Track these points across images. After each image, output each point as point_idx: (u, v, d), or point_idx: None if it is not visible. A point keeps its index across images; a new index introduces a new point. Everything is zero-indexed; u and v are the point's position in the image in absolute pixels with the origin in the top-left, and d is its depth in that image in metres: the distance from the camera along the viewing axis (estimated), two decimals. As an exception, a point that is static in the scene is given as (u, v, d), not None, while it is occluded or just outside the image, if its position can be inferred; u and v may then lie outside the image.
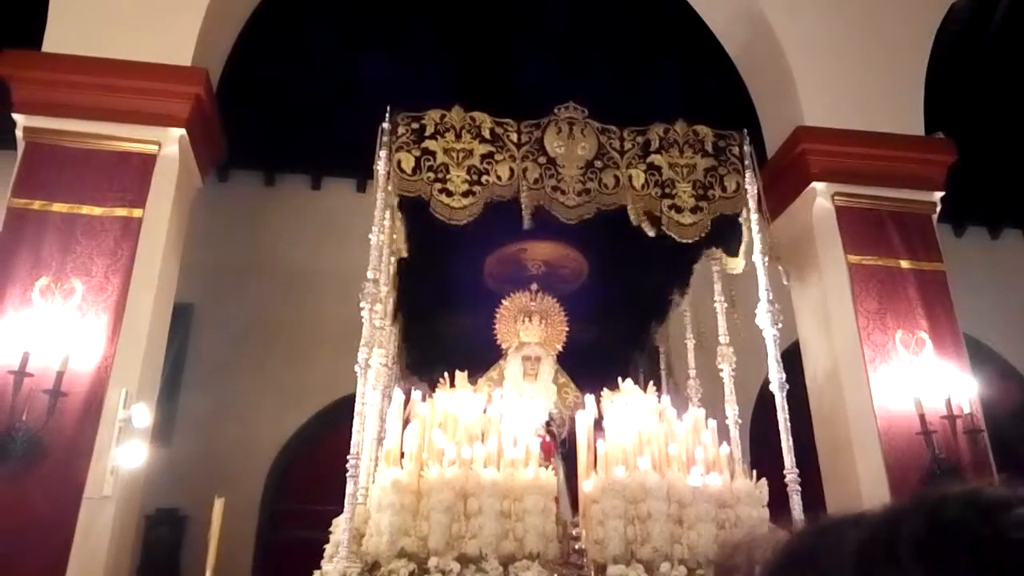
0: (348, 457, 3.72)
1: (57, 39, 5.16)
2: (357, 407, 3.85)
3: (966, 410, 5.07)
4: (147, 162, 5.00)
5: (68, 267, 4.63)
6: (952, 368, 5.24)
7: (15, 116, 4.96)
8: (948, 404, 5.05)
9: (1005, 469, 5.20)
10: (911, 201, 5.70)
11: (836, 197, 5.62)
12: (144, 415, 4.43)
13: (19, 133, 4.95)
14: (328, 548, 4.02)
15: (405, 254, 4.95)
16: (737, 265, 4.86)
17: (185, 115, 5.13)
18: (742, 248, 4.76)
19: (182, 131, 5.11)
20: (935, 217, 5.78)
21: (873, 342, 5.25)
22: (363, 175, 8.46)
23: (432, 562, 3.49)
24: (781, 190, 5.97)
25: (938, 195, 5.81)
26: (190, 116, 5.15)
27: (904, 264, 5.47)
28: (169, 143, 5.08)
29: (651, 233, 4.53)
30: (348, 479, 3.68)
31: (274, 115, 7.67)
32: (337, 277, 7.71)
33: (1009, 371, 8.43)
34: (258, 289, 7.90)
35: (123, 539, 4.40)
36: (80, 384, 4.35)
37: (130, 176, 4.94)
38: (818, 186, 5.68)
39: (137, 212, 4.86)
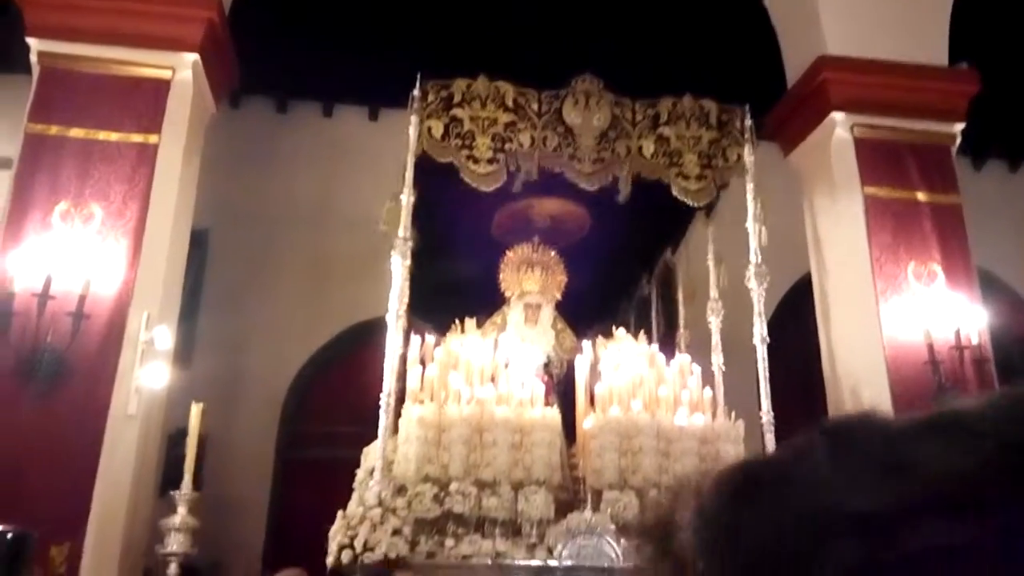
0: (381, 395, 4.21)
1: (68, -40, 5.09)
2: (388, 353, 4.34)
3: (975, 341, 5.12)
4: (161, 87, 4.99)
5: (87, 192, 4.68)
6: (963, 300, 5.26)
7: (29, 40, 4.94)
8: (957, 335, 5.09)
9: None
10: (931, 132, 5.63)
11: (855, 128, 5.56)
12: (166, 337, 4.53)
13: (33, 58, 4.94)
14: (360, 473, 4.49)
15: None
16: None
17: (198, 40, 5.08)
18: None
19: (195, 56, 5.08)
20: (954, 149, 5.72)
21: (885, 274, 5.26)
22: (375, 103, 8.41)
23: (453, 486, 4.03)
24: (800, 120, 5.91)
25: (959, 127, 5.74)
26: (203, 41, 5.11)
27: (921, 197, 5.45)
28: (183, 68, 5.06)
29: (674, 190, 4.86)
30: (381, 414, 4.19)
31: (286, 40, 7.57)
32: (350, 205, 7.76)
33: (1020, 303, 8.43)
34: (273, 216, 7.94)
35: (148, 457, 4.55)
36: (102, 307, 4.44)
37: (145, 102, 4.94)
38: (838, 116, 5.61)
39: (153, 138, 4.88)
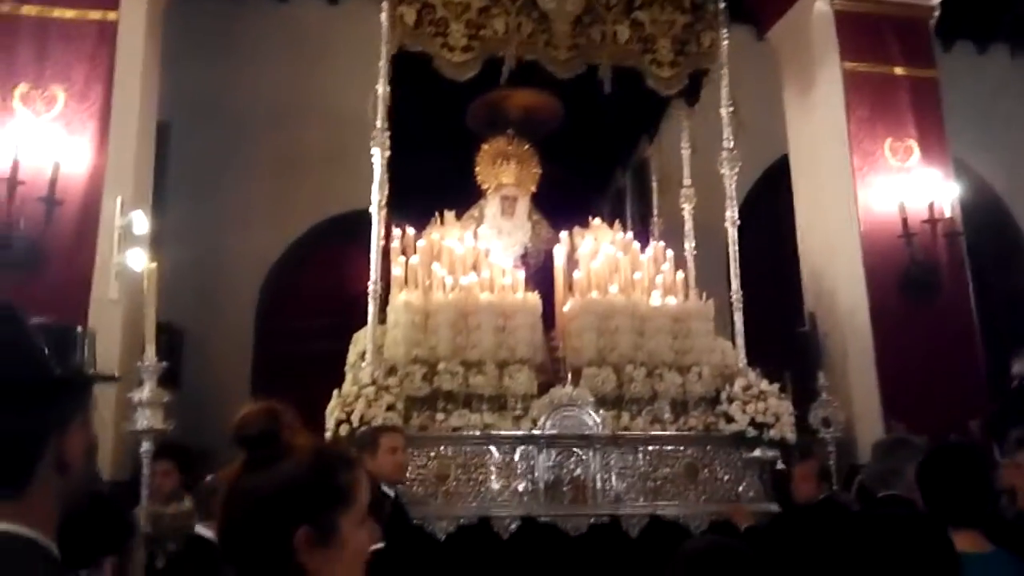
0: (369, 283, 4.28)
1: None
2: (374, 242, 4.37)
3: (947, 214, 5.24)
4: (115, -41, 4.73)
5: (47, 74, 4.48)
6: (936, 174, 5.35)
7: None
8: (931, 208, 5.20)
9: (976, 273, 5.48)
10: (910, 5, 5.60)
11: (836, 1, 5.50)
12: (142, 222, 4.42)
13: (-26, -71, 4.62)
14: (351, 357, 4.54)
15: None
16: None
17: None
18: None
19: (149, -77, 4.79)
20: (932, 23, 5.70)
21: (863, 150, 5.32)
22: (333, -17, 8.03)
23: (441, 366, 4.18)
24: (780, -5, 5.82)
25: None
26: (157, -92, 4.82)
27: (899, 71, 5.47)
28: (137, -62, 4.78)
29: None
30: (370, 300, 4.26)
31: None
32: (314, 97, 7.52)
33: (986, 189, 8.53)
34: (234, 109, 7.65)
35: (134, 342, 4.48)
36: (74, 192, 4.32)
37: (99, -26, 4.68)
38: (818, -11, 5.54)
39: (112, 15, 4.65)
